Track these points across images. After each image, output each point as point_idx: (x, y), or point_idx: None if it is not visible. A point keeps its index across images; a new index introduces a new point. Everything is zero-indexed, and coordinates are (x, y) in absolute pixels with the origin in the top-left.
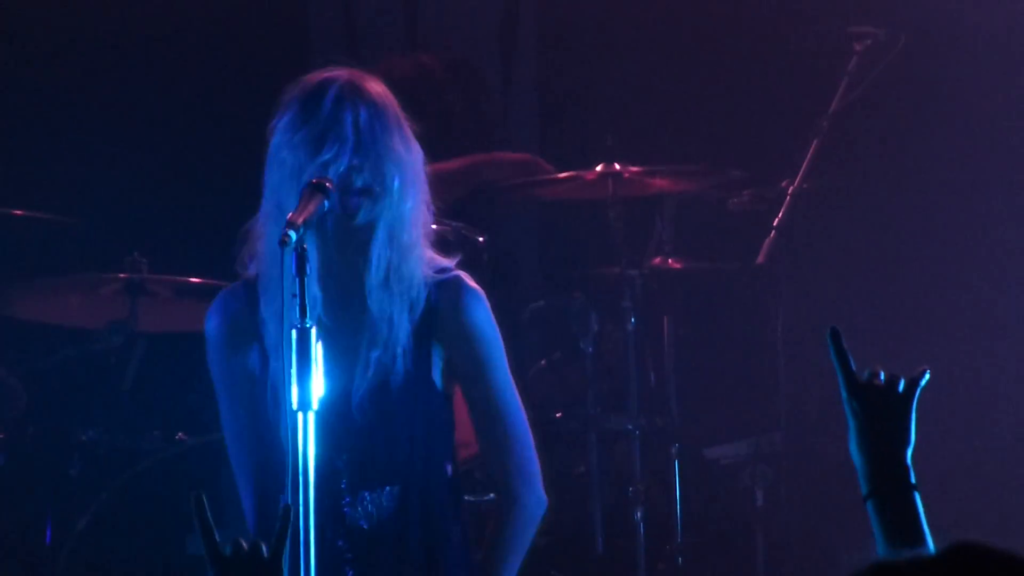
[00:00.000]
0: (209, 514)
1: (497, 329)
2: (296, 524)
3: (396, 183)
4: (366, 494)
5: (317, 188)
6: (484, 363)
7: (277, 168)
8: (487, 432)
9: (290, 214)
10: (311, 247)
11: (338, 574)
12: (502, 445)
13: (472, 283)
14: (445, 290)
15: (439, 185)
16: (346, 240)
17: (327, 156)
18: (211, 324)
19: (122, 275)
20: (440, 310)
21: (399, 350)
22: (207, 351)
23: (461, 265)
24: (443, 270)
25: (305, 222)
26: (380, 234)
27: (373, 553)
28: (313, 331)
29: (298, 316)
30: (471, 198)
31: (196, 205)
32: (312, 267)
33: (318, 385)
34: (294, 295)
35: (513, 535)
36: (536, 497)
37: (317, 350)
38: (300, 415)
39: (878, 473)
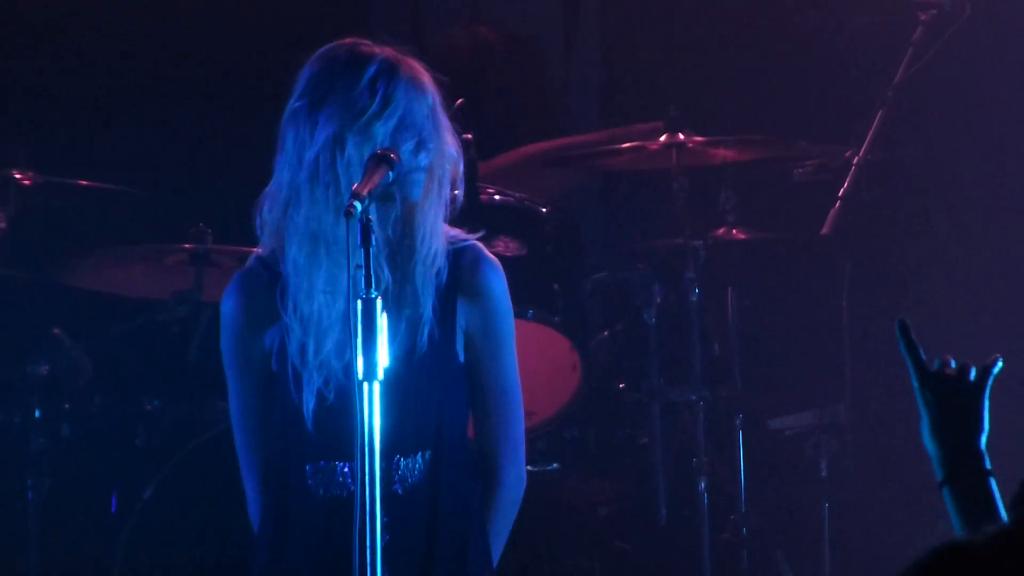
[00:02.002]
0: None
1: (510, 303)
2: (362, 493)
3: (447, 164)
4: (401, 460)
5: (382, 160)
6: (495, 331)
7: (324, 141)
8: (486, 403)
9: (355, 185)
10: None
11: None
12: (499, 418)
13: (489, 253)
14: (464, 255)
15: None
16: (389, 214)
17: (404, 136)
18: (229, 305)
19: (187, 246)
20: (461, 271)
21: (427, 319)
22: (222, 334)
23: (524, 237)
24: (462, 239)
25: (370, 193)
26: (428, 212)
27: (407, 517)
28: (379, 302)
29: (363, 287)
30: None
31: (260, 175)
32: (377, 238)
33: (383, 355)
34: (359, 266)
35: (497, 520)
36: (519, 476)
37: (382, 321)
38: (366, 385)
39: (952, 460)
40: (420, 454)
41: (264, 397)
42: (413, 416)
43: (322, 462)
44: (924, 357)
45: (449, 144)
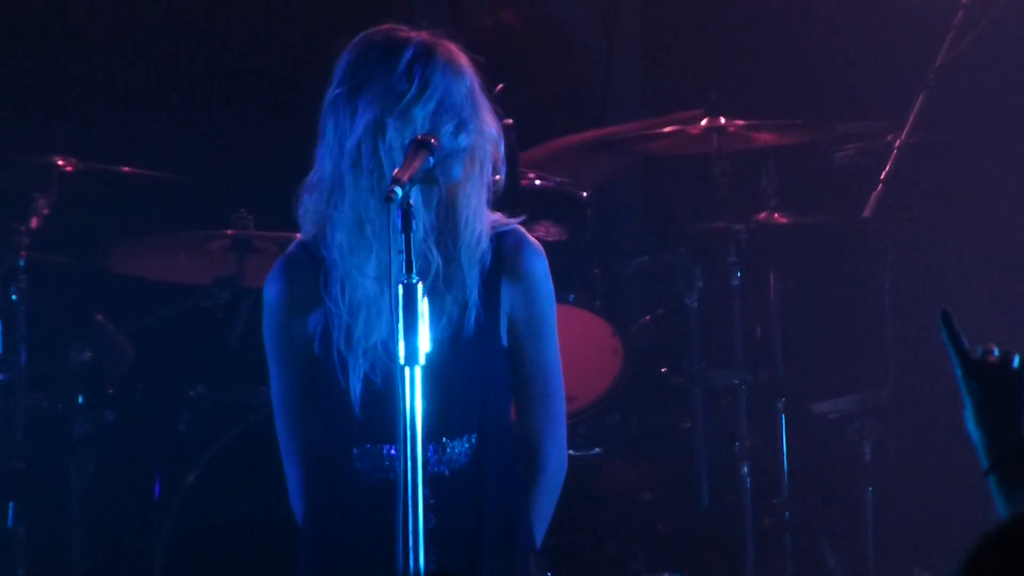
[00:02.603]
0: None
1: (552, 288)
2: (404, 477)
3: (488, 145)
4: (447, 442)
5: (423, 145)
6: (538, 315)
7: (364, 128)
8: (528, 387)
9: (396, 170)
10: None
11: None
12: (541, 402)
13: (532, 237)
14: (506, 239)
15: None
16: (432, 197)
17: (443, 118)
18: (272, 290)
19: (229, 232)
20: (503, 255)
21: (473, 301)
22: (264, 318)
23: (565, 221)
24: (504, 224)
25: (411, 179)
26: (471, 193)
27: (454, 499)
28: (420, 287)
29: (404, 272)
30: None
31: (302, 162)
32: (418, 223)
33: (424, 340)
34: (400, 251)
35: (540, 502)
36: (560, 459)
37: (423, 306)
38: (407, 370)
39: (998, 448)
40: (466, 437)
41: (307, 381)
42: (459, 399)
43: (368, 445)
44: (967, 346)
45: (489, 125)
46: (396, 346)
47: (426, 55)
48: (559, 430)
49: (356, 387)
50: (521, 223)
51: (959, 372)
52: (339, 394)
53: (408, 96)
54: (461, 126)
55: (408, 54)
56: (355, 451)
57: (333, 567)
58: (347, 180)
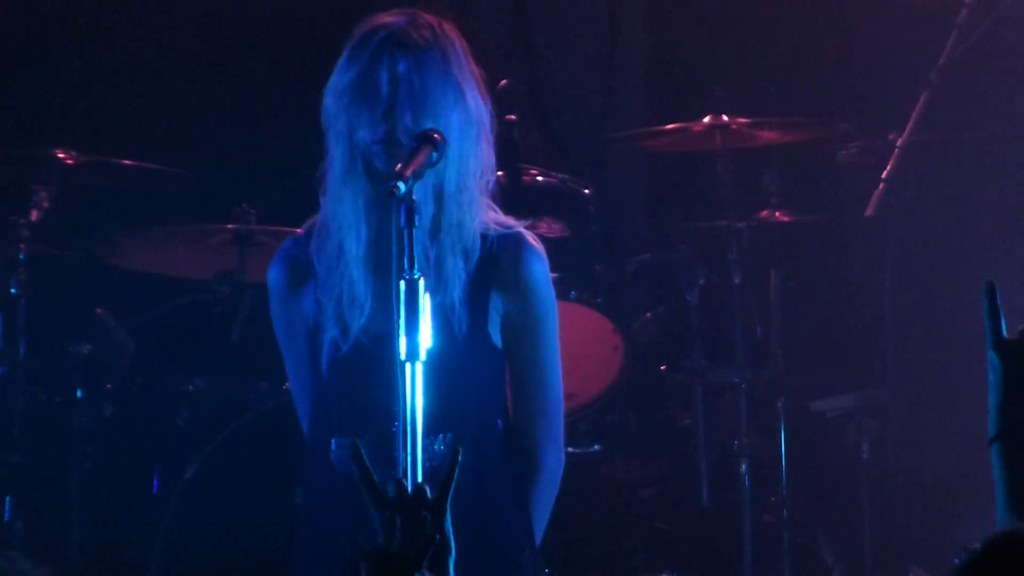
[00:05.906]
0: (367, 459)
1: (553, 291)
2: (406, 475)
3: (456, 133)
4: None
5: (426, 140)
6: (535, 319)
7: (335, 119)
8: (525, 390)
9: (398, 165)
10: (365, 198)
11: None
12: (538, 406)
13: (534, 241)
14: (505, 242)
15: None
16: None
17: (367, 115)
18: (273, 273)
19: (230, 226)
20: (499, 261)
21: (454, 300)
22: (270, 301)
23: (567, 218)
24: (507, 227)
25: (414, 173)
26: (452, 185)
27: None
28: (421, 282)
29: (407, 267)
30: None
31: (304, 156)
32: (420, 219)
33: (425, 337)
34: (402, 246)
35: (538, 502)
36: (558, 458)
37: (425, 301)
38: (408, 366)
39: (1004, 419)
40: (440, 436)
41: (310, 360)
42: (434, 397)
43: (345, 438)
44: (1002, 319)
45: (456, 114)
46: (395, 338)
47: (389, 44)
48: (557, 431)
49: (327, 367)
50: (526, 225)
51: (989, 344)
52: (320, 382)
53: (354, 84)
54: (417, 115)
55: (375, 42)
56: (334, 442)
57: (315, 558)
58: (331, 165)
